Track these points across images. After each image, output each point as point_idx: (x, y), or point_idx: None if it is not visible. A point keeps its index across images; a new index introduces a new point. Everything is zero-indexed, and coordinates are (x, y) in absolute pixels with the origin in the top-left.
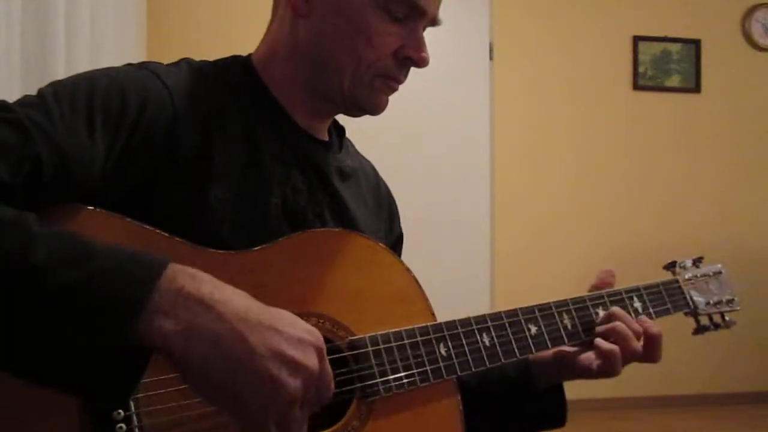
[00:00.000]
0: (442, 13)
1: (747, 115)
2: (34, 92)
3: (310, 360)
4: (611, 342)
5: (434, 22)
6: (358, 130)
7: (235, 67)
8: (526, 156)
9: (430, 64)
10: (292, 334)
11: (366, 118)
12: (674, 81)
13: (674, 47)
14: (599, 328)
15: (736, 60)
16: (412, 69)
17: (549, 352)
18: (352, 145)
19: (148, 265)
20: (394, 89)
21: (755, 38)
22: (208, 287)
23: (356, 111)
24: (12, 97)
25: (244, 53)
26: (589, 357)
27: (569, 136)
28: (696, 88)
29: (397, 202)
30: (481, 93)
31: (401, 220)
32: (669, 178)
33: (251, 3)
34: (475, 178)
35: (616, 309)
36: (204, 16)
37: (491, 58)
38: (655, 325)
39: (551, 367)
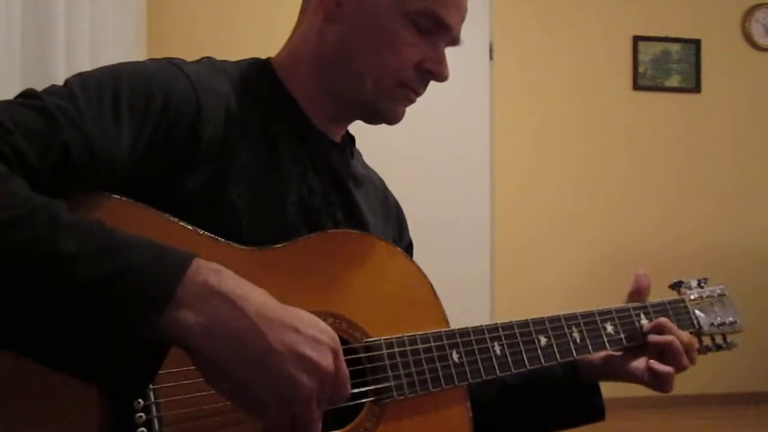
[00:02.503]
0: None
1: (747, 115)
2: (72, 76)
3: (326, 360)
4: (662, 353)
5: (455, 41)
6: (357, 130)
7: (256, 68)
8: (526, 156)
9: None
10: (309, 333)
11: None
12: (674, 81)
13: (674, 47)
14: (652, 338)
15: (736, 60)
16: None
17: (598, 355)
18: (361, 155)
19: (174, 259)
20: (413, 101)
21: (755, 38)
22: (230, 283)
23: (374, 119)
24: (12, 97)
25: (244, 53)
26: (638, 366)
27: (569, 136)
28: (696, 88)
29: (398, 203)
30: (481, 93)
31: None
32: (669, 178)
33: (251, 3)
34: (475, 178)
35: (664, 321)
36: (204, 16)
37: (491, 58)
38: (693, 342)
39: (598, 368)
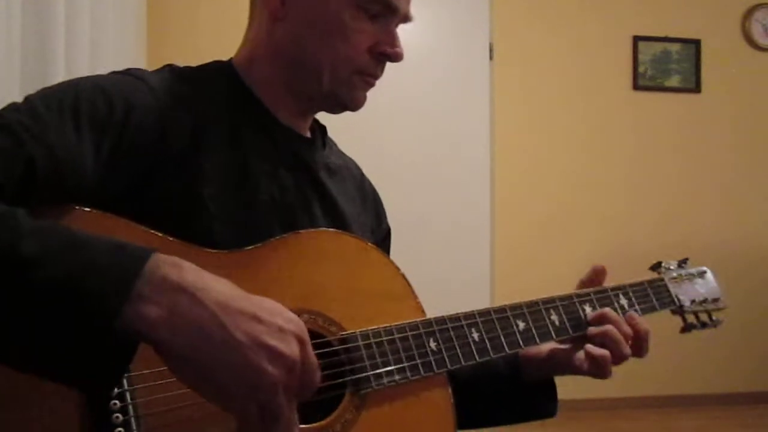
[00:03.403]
0: (443, 13)
1: (747, 115)
2: (33, 92)
3: (291, 348)
4: (602, 344)
5: (406, 18)
6: (358, 130)
7: (218, 71)
8: (526, 156)
9: (430, 63)
10: (273, 322)
11: (366, 119)
12: (674, 81)
13: (674, 47)
14: (591, 330)
15: (736, 60)
16: (415, 70)
17: (543, 349)
18: (335, 144)
19: (133, 254)
20: (372, 85)
21: (755, 38)
22: (191, 276)
23: (336, 108)
24: (12, 97)
25: None
26: (580, 357)
27: (569, 137)
28: (696, 88)
29: (397, 203)
30: (481, 93)
31: (399, 219)
32: (669, 178)
33: None
34: (475, 178)
35: (607, 311)
36: (204, 16)
37: (491, 58)
38: (643, 323)
39: (543, 363)
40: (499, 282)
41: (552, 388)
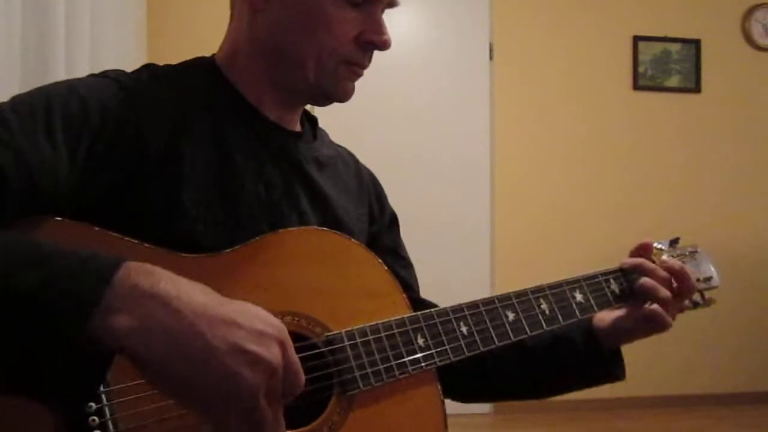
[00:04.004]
0: (443, 13)
1: (747, 115)
2: (5, 101)
3: (272, 353)
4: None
5: (391, 3)
6: (358, 130)
7: (200, 68)
8: (526, 156)
9: (430, 63)
10: (252, 327)
11: (366, 119)
12: (674, 81)
13: (674, 47)
14: (637, 284)
15: (736, 60)
16: (415, 70)
17: (606, 320)
18: (327, 135)
19: (102, 264)
20: (359, 75)
21: (755, 38)
22: (164, 283)
23: (323, 100)
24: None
25: None
26: (638, 320)
27: (569, 137)
28: (696, 88)
29: (397, 202)
30: (481, 93)
31: (399, 219)
32: (669, 178)
33: None
34: (475, 178)
35: (641, 261)
36: (204, 15)
37: (491, 58)
38: (675, 262)
39: (610, 333)
40: (499, 282)
41: (619, 355)
